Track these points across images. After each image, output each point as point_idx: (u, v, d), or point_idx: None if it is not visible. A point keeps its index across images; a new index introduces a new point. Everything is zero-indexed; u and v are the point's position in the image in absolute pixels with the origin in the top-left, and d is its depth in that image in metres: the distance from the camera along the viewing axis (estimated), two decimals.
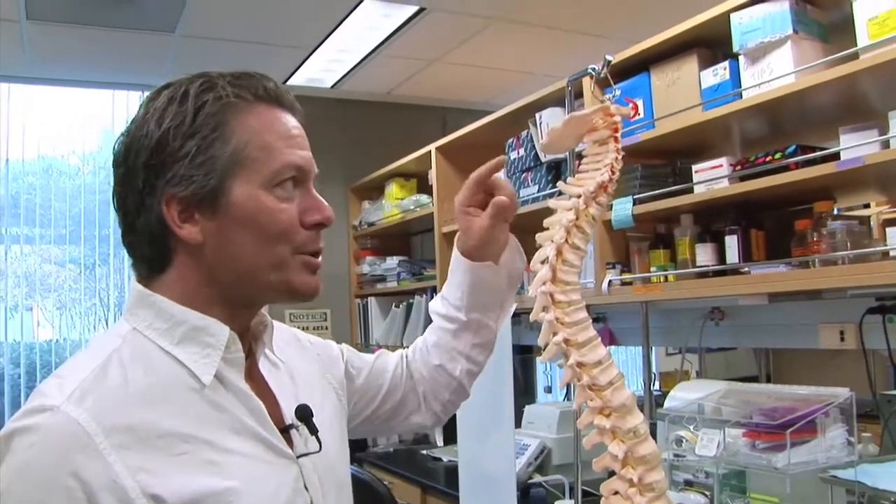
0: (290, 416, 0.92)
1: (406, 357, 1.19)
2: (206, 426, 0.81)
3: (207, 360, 0.83)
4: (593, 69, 1.02)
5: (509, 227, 1.10)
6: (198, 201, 0.83)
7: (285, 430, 0.90)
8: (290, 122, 0.89)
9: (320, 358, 1.09)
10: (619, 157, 0.91)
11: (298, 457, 0.89)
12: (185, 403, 0.81)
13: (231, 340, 0.86)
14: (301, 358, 1.05)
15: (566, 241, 0.86)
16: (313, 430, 0.91)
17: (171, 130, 0.83)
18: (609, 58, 0.97)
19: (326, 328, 4.15)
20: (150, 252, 0.86)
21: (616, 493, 0.81)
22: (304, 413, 0.92)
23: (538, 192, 2.64)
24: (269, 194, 0.85)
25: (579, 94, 2.20)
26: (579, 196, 0.88)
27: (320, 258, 0.90)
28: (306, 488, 0.89)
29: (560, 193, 0.92)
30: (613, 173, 0.89)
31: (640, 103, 2.19)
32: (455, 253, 1.11)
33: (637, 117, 2.18)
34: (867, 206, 2.18)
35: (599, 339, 0.85)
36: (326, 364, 1.09)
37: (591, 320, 0.85)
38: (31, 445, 0.73)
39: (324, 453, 0.92)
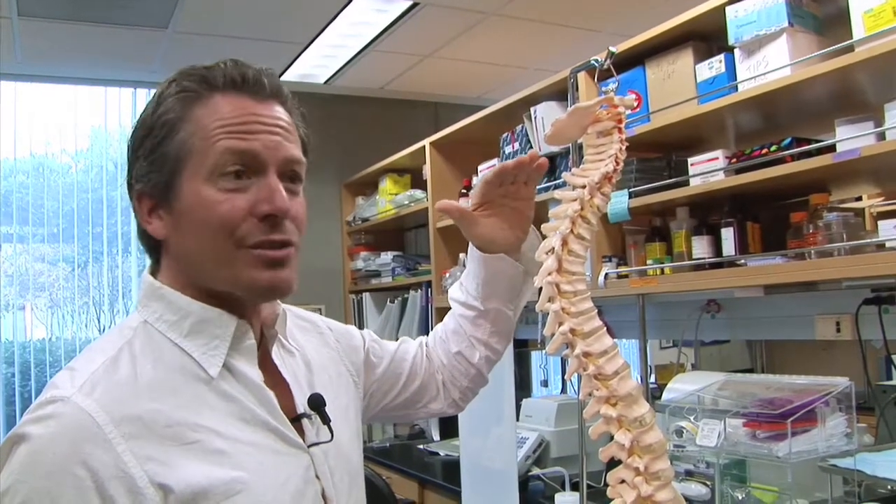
0: (302, 405, 0.92)
1: (426, 344, 1.19)
2: (216, 416, 0.81)
3: (215, 352, 0.84)
4: (596, 61, 1.03)
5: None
6: (157, 197, 0.85)
7: (297, 420, 0.90)
8: (250, 108, 0.84)
9: (339, 344, 1.08)
10: (624, 147, 0.91)
11: (309, 446, 0.89)
12: (194, 394, 0.81)
13: (240, 330, 0.86)
14: (318, 344, 1.05)
15: (571, 231, 0.87)
16: (325, 420, 0.91)
17: (139, 127, 0.86)
18: (613, 49, 0.97)
19: None
20: (144, 244, 0.91)
21: (622, 481, 0.82)
22: (316, 402, 0.92)
23: None
24: (212, 187, 0.82)
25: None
26: (584, 187, 0.88)
27: (287, 250, 0.85)
28: (317, 477, 0.89)
29: (565, 184, 0.92)
30: (618, 164, 0.90)
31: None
32: (470, 245, 1.11)
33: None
34: (859, 199, 2.20)
35: (605, 328, 0.85)
36: (345, 351, 1.08)
37: (596, 310, 0.85)
38: (42, 435, 0.73)
39: (336, 442, 0.92)
